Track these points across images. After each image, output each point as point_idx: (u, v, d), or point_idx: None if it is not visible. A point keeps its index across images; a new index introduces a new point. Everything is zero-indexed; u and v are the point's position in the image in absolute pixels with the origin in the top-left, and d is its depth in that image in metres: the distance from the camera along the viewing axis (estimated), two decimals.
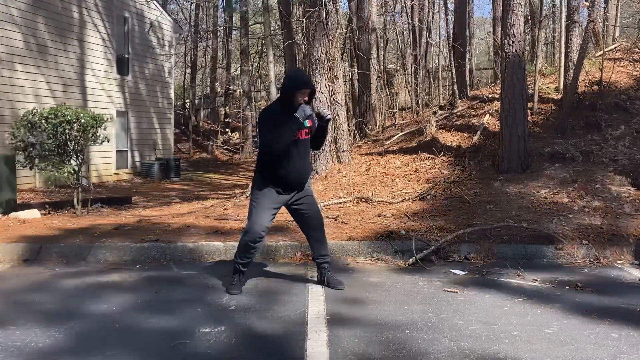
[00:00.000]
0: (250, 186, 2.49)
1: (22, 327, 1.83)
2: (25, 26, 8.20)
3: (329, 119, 2.36)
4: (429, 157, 6.10)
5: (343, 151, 6.36)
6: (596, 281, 2.62)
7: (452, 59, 9.38)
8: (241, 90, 11.94)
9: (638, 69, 7.58)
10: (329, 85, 5.83)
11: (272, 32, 10.20)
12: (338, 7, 6.08)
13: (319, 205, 2.50)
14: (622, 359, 1.53)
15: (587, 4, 6.14)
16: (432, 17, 10.95)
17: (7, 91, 7.83)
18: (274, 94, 6.11)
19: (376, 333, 1.80)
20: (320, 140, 2.47)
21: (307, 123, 2.27)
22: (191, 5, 11.63)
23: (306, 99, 2.25)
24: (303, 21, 5.59)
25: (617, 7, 9.55)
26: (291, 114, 2.18)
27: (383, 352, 1.61)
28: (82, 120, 4.56)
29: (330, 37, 5.76)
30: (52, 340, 1.70)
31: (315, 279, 2.56)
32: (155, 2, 10.73)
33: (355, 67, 9.53)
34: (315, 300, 2.25)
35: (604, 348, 1.62)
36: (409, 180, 5.48)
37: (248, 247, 2.32)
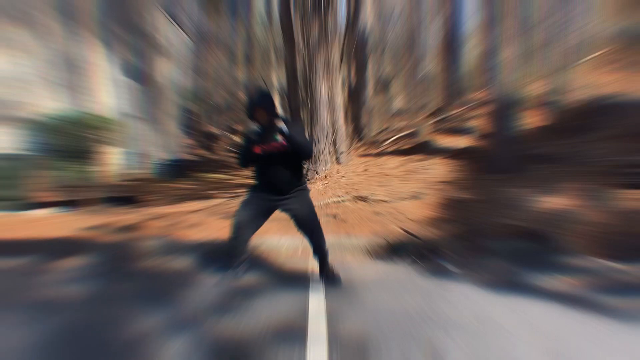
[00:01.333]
0: None
1: None
2: None
3: (286, 131, 2.37)
4: (423, 158, 6.28)
5: (341, 152, 6.60)
6: (589, 278, 2.64)
7: (446, 63, 9.68)
8: (245, 94, 12.25)
9: (625, 72, 7.84)
10: (328, 90, 6.07)
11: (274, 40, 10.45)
12: (336, 15, 6.33)
13: (310, 208, 2.59)
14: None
15: None
16: (427, 23, 11.25)
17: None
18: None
19: (372, 324, 1.92)
20: (298, 149, 2.41)
21: (278, 137, 2.37)
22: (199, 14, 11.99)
23: (264, 115, 2.39)
24: (303, 29, 5.83)
25: None
26: (258, 131, 2.46)
27: (377, 339, 1.74)
28: (99, 124, 4.77)
29: (329, 44, 6.01)
30: None
31: (316, 274, 2.68)
32: (166, 13, 10.97)
33: (353, 72, 9.80)
34: (316, 294, 2.38)
35: (591, 341, 1.73)
36: (404, 180, 5.69)
37: (233, 239, 2.57)
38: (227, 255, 2.67)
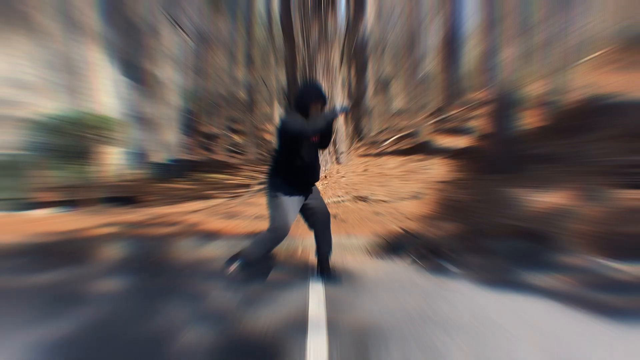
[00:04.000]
0: (266, 188, 2.51)
1: None
2: None
3: (334, 116, 2.38)
4: (423, 158, 6.29)
5: (341, 153, 6.61)
6: (589, 277, 2.63)
7: (446, 63, 9.69)
8: (245, 94, 12.26)
9: (625, 72, 7.84)
10: (328, 90, 6.08)
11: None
12: (336, 16, 6.34)
13: (325, 204, 2.59)
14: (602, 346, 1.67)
15: None
16: (427, 23, 11.26)
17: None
18: None
19: (372, 324, 1.92)
20: (327, 139, 2.50)
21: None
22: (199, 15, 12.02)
23: (319, 108, 2.36)
24: (303, 29, 5.83)
25: None
26: (307, 121, 2.29)
27: (377, 339, 1.74)
28: (99, 124, 4.79)
29: (329, 45, 6.01)
30: None
31: (317, 273, 2.68)
32: (166, 13, 10.99)
33: (353, 72, 9.81)
34: (316, 294, 2.37)
35: (590, 341, 1.74)
36: (404, 180, 5.70)
37: (269, 246, 2.42)
38: (250, 256, 2.50)
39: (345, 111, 2.38)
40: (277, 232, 2.37)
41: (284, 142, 2.36)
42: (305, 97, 2.33)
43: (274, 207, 2.41)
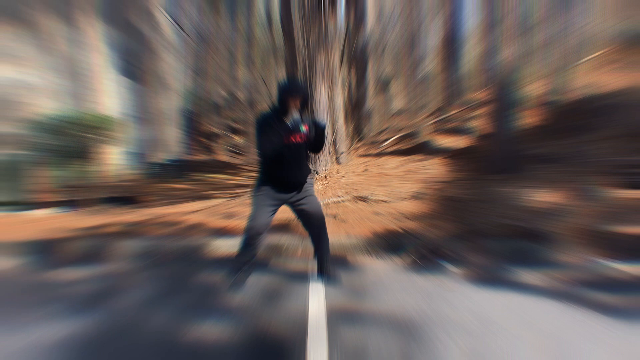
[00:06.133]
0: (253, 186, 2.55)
1: None
2: None
3: (323, 126, 2.41)
4: (423, 158, 6.29)
5: (341, 153, 6.60)
6: (588, 278, 2.64)
7: (446, 64, 9.69)
8: (245, 94, 12.29)
9: (625, 72, 7.84)
10: (328, 90, 6.07)
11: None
12: (337, 16, 6.34)
13: (319, 205, 2.55)
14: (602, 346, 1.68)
15: None
16: (427, 23, 11.27)
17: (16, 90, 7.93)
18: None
19: (372, 325, 1.92)
20: (318, 144, 2.47)
21: (303, 128, 2.31)
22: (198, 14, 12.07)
23: (298, 105, 2.29)
24: (303, 29, 5.83)
25: None
26: (283, 119, 2.26)
27: (379, 342, 1.74)
28: (99, 124, 4.79)
29: (329, 45, 6.01)
30: None
31: (316, 274, 2.68)
32: (165, 13, 11.00)
33: (353, 73, 9.81)
34: (316, 295, 2.38)
35: (590, 340, 1.75)
36: (404, 180, 5.70)
37: (248, 244, 2.44)
38: (236, 258, 2.55)
39: (307, 123, 2.34)
40: (251, 231, 2.39)
41: (261, 142, 2.30)
42: (284, 93, 2.27)
43: (252, 207, 2.43)
